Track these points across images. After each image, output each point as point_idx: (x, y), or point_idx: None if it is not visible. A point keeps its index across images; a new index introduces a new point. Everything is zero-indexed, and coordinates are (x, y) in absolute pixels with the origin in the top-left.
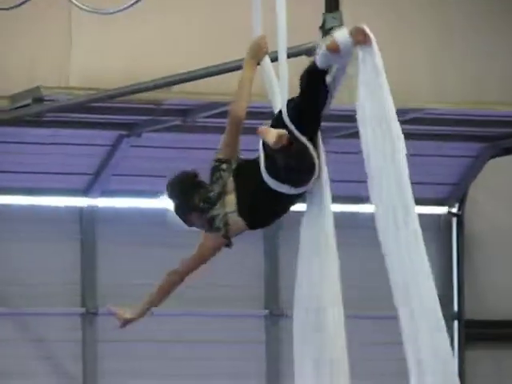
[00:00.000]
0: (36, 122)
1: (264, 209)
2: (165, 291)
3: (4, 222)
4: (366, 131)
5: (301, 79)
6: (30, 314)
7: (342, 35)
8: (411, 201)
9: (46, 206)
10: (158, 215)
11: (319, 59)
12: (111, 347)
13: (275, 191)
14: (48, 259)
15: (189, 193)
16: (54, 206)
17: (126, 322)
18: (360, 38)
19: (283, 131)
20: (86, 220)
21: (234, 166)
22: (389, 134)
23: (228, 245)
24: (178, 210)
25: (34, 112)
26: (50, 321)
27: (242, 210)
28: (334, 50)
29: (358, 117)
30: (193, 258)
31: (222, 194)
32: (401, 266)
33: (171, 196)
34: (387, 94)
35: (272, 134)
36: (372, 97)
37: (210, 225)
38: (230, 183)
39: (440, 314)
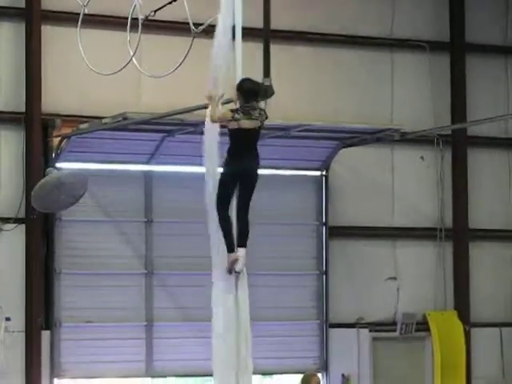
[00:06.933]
0: (123, 129)
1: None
2: None
3: (105, 176)
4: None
5: None
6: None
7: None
8: None
9: (126, 170)
10: (184, 175)
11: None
12: None
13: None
14: (125, 196)
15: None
16: (131, 170)
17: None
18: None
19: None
20: (147, 177)
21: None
22: None
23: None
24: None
25: (123, 124)
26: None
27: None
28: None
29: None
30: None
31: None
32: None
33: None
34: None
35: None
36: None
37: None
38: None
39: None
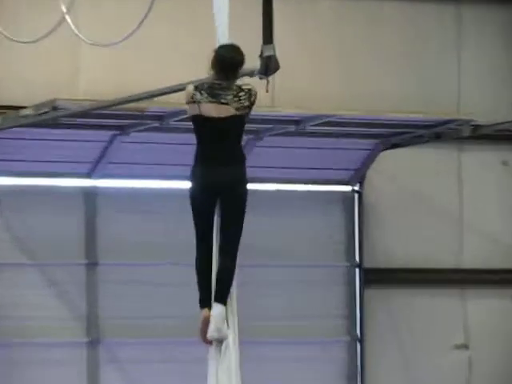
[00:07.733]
0: (53, 124)
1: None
2: None
3: (27, 197)
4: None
5: None
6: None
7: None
8: None
9: (58, 186)
10: (144, 194)
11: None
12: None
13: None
14: (57, 226)
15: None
16: (65, 186)
17: None
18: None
19: None
20: (88, 197)
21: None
22: None
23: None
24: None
25: (51, 117)
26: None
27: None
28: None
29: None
30: None
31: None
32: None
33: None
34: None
35: None
36: None
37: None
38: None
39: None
